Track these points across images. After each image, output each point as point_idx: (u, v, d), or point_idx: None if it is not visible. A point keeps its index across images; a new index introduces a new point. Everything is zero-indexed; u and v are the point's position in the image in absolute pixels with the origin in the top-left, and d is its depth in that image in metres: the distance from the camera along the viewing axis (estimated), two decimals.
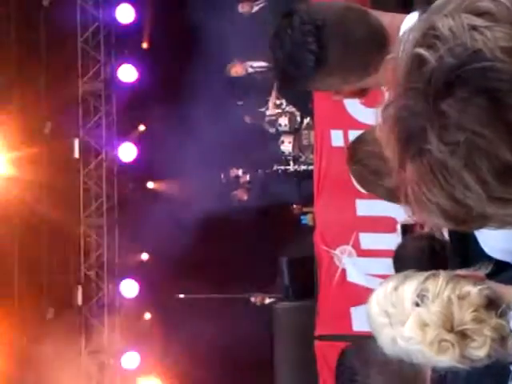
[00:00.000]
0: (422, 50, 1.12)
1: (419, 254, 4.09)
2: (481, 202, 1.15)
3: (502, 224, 1.22)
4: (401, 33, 2.17)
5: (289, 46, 2.23)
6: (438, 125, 1.12)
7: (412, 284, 1.94)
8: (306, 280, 9.22)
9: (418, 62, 1.13)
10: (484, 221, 1.20)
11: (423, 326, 1.87)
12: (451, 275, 1.94)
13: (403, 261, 4.12)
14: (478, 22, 1.09)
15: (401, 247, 4.36)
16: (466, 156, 1.11)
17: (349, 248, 8.73)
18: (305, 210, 10.59)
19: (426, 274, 1.96)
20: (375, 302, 2.01)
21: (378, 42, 2.21)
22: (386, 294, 1.99)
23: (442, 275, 1.93)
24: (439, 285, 1.90)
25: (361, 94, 2.39)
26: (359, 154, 2.99)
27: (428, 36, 1.13)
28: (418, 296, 1.90)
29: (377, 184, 2.87)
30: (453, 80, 1.10)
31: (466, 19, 1.10)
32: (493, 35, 1.09)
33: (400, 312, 1.93)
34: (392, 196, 2.69)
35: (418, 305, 1.90)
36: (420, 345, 1.88)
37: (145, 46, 12.45)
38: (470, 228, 1.24)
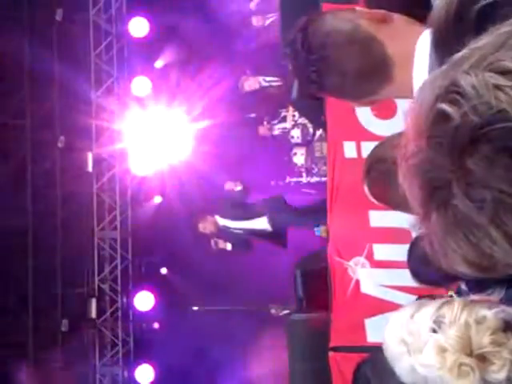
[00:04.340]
0: (445, 106, 1.14)
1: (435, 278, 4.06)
2: (507, 255, 1.17)
3: None
4: (417, 50, 2.21)
5: (296, 70, 2.43)
6: (463, 181, 1.13)
7: (428, 311, 1.95)
8: (319, 292, 9.20)
9: (442, 116, 1.14)
10: (508, 269, 1.22)
11: (442, 351, 1.87)
12: (466, 301, 1.95)
13: (419, 277, 4.11)
14: (502, 81, 1.11)
15: (414, 266, 4.29)
16: (492, 213, 1.13)
17: (362, 259, 8.72)
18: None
19: (440, 301, 1.97)
20: (392, 331, 2.01)
21: (378, 74, 2.29)
22: (402, 323, 1.99)
23: (457, 301, 1.94)
24: (455, 310, 1.91)
25: (370, 104, 2.52)
26: (373, 158, 3.11)
27: (450, 92, 1.14)
28: (434, 322, 1.91)
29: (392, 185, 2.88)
30: (478, 138, 1.11)
31: (489, 78, 1.11)
32: None
33: (417, 339, 1.93)
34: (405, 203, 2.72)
35: (435, 331, 1.90)
36: (440, 371, 1.87)
37: (159, 64, 12.45)
38: (492, 275, 1.25)
